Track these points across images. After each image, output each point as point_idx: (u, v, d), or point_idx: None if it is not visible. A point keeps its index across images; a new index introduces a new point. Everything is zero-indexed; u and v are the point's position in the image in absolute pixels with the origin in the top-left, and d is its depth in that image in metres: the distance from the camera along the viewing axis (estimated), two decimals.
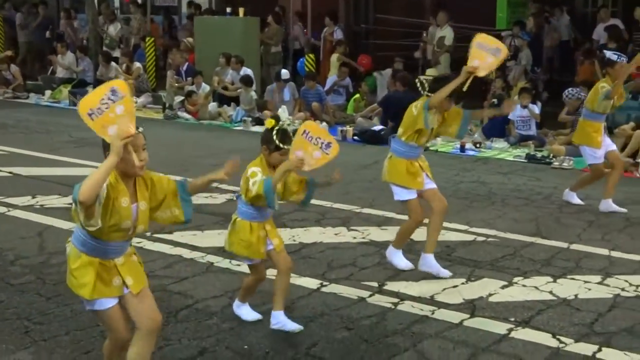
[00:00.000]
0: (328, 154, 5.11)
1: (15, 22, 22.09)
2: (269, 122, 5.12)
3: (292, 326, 5.28)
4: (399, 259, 6.59)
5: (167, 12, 22.36)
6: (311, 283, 6.26)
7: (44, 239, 7.32)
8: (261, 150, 5.15)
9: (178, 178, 4.34)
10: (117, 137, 3.76)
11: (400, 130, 6.45)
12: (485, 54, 6.25)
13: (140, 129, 3.93)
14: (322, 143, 5.10)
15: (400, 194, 6.44)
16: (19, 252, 6.93)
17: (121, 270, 4.05)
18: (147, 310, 4.10)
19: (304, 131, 5.07)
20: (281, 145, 5.01)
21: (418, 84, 6.31)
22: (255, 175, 5.00)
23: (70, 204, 8.37)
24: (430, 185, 6.46)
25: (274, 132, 5.01)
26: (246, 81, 15.36)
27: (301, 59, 17.69)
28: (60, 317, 5.53)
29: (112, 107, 3.84)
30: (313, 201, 8.15)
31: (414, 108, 6.37)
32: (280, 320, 5.29)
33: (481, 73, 6.24)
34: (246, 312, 5.52)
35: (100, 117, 3.85)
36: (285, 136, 5.02)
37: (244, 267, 6.53)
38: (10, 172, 10.08)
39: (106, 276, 4.00)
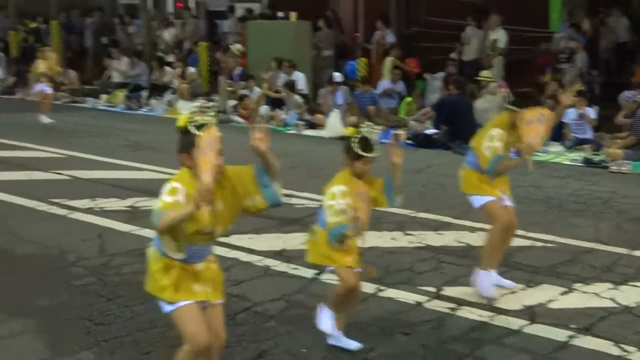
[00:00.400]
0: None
1: (72, 28, 22.47)
2: (349, 130, 4.97)
3: (352, 345, 5.14)
4: (488, 285, 6.06)
5: (210, 17, 22.46)
6: (368, 287, 6.24)
7: (104, 241, 7.43)
8: (344, 159, 4.94)
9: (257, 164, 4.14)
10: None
11: (474, 143, 6.14)
12: (535, 126, 5.79)
13: (219, 134, 3.89)
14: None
15: (478, 200, 6.13)
16: (80, 254, 7.04)
17: (201, 276, 4.03)
18: (217, 326, 4.07)
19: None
20: (363, 154, 4.83)
21: (500, 96, 6.14)
22: (334, 197, 4.79)
23: (129, 207, 8.55)
24: (507, 202, 6.16)
25: (355, 140, 4.84)
26: (289, 86, 15.46)
27: (352, 63, 17.70)
28: (121, 318, 5.62)
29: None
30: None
31: (493, 131, 5.96)
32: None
33: (539, 145, 5.86)
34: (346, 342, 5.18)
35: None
36: (367, 144, 4.82)
37: (302, 271, 6.60)
38: (69, 175, 10.26)
39: (186, 280, 3.98)
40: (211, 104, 4.21)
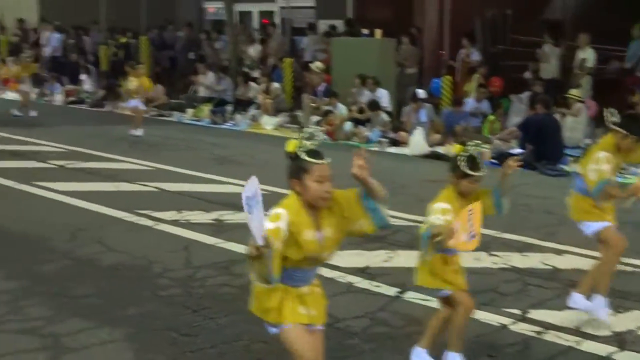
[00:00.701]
0: (468, 245, 4.65)
1: (163, 44, 22.95)
2: (456, 148, 4.91)
3: None
4: (602, 310, 5.87)
5: (295, 33, 22.57)
6: None
7: (189, 253, 7.55)
8: (449, 178, 4.89)
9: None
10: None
11: (581, 168, 5.97)
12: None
13: (328, 160, 3.91)
14: (472, 232, 4.62)
15: (590, 227, 5.94)
16: (166, 265, 7.17)
17: (306, 300, 4.02)
18: (320, 350, 4.06)
19: (470, 209, 4.65)
20: (470, 173, 4.75)
21: (606, 115, 5.86)
22: (435, 213, 4.73)
23: (214, 220, 8.66)
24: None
25: (462, 158, 4.77)
26: (372, 106, 15.47)
27: (436, 80, 17.60)
28: (206, 330, 5.69)
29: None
30: None
31: (599, 154, 5.76)
32: None
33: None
34: None
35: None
36: (474, 163, 4.76)
37: (384, 288, 6.57)
38: (156, 187, 10.46)
39: (291, 303, 3.96)
40: (320, 129, 4.23)
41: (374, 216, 4.04)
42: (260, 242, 3.56)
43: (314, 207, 3.92)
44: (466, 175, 4.76)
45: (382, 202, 4.04)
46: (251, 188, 3.61)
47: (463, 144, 4.98)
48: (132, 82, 15.09)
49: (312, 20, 22.80)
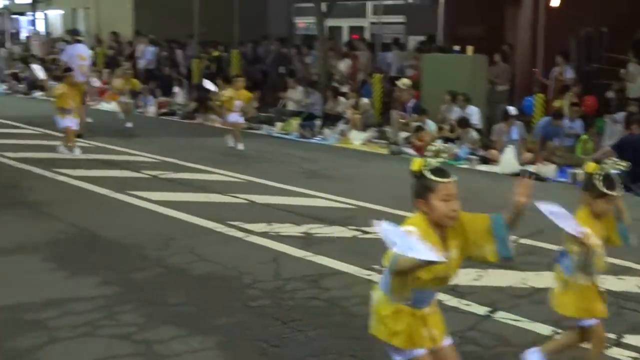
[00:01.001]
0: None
1: (257, 58, 23.27)
2: (591, 167, 4.74)
3: None
4: None
5: (385, 49, 22.55)
6: (544, 329, 6.07)
7: (279, 265, 7.60)
8: (583, 198, 4.77)
9: (493, 214, 4.09)
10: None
11: None
12: None
13: (454, 178, 3.87)
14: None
15: None
16: (256, 276, 7.23)
17: (428, 320, 3.99)
18: None
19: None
20: (607, 192, 4.62)
21: None
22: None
23: (304, 233, 8.70)
24: None
25: (599, 177, 4.64)
26: (462, 123, 15.32)
27: (528, 99, 17.34)
28: (295, 342, 5.71)
29: None
30: (544, 244, 7.96)
31: None
32: None
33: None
34: None
35: None
36: (610, 182, 4.62)
37: (474, 307, 6.48)
38: (246, 199, 10.58)
39: (416, 326, 3.93)
40: (445, 146, 4.24)
41: (500, 246, 3.98)
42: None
43: (440, 226, 3.88)
44: (603, 195, 4.62)
45: (512, 231, 3.98)
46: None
47: (598, 162, 4.81)
48: (229, 93, 15.20)
49: (400, 35, 22.81)
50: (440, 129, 15.96)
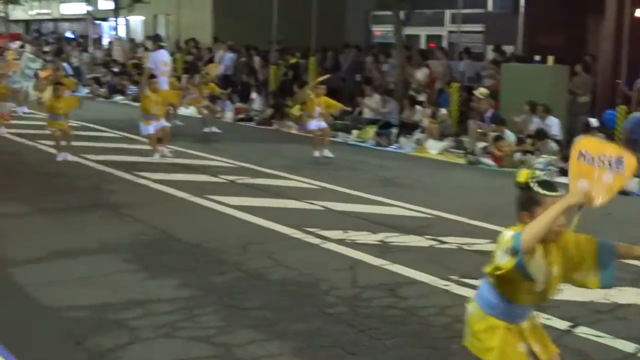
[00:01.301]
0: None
1: (331, 65, 23.33)
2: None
3: None
4: None
5: (462, 58, 22.37)
6: (627, 346, 5.93)
7: (355, 273, 7.60)
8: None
9: (601, 239, 4.02)
10: (579, 195, 3.63)
11: None
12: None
13: (561, 192, 3.77)
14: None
15: None
16: (333, 283, 7.24)
17: (526, 335, 3.92)
18: None
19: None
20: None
21: None
22: None
23: (380, 241, 8.68)
24: None
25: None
26: (539, 134, 15.07)
27: (610, 112, 16.97)
28: (373, 350, 5.70)
29: (602, 170, 3.70)
30: (628, 260, 7.76)
31: None
32: None
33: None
34: None
35: (585, 165, 3.73)
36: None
37: (555, 322, 6.37)
38: (322, 206, 10.61)
39: (512, 341, 3.86)
40: (554, 158, 4.13)
41: (604, 273, 3.90)
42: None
43: (543, 240, 3.73)
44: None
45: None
46: None
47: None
48: (312, 101, 15.20)
49: (477, 44, 22.60)
50: (519, 139, 15.74)
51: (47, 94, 14.78)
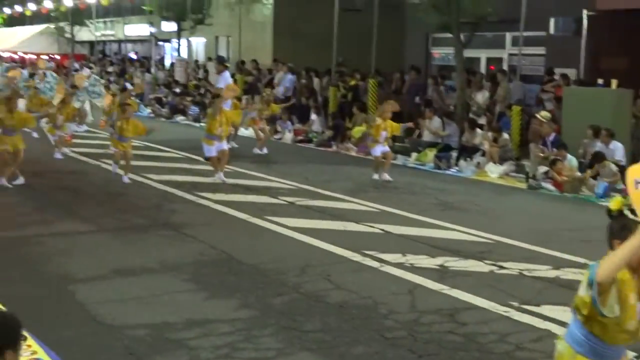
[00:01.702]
0: None
1: (395, 87, 23.37)
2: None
3: None
4: None
5: (524, 81, 22.14)
6: None
7: (414, 297, 7.56)
8: None
9: None
10: None
11: None
12: None
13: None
14: None
15: None
16: (391, 307, 7.21)
17: None
18: None
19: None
20: None
21: None
22: None
23: (439, 265, 8.62)
24: None
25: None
26: (597, 157, 14.83)
27: None
28: None
29: None
30: None
31: None
32: None
33: None
34: None
35: None
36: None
37: None
38: (381, 229, 10.59)
39: None
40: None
41: None
42: None
43: (637, 271, 3.60)
44: None
45: None
46: None
47: None
48: (379, 126, 15.22)
49: (538, 67, 22.38)
50: (581, 164, 15.50)
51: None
